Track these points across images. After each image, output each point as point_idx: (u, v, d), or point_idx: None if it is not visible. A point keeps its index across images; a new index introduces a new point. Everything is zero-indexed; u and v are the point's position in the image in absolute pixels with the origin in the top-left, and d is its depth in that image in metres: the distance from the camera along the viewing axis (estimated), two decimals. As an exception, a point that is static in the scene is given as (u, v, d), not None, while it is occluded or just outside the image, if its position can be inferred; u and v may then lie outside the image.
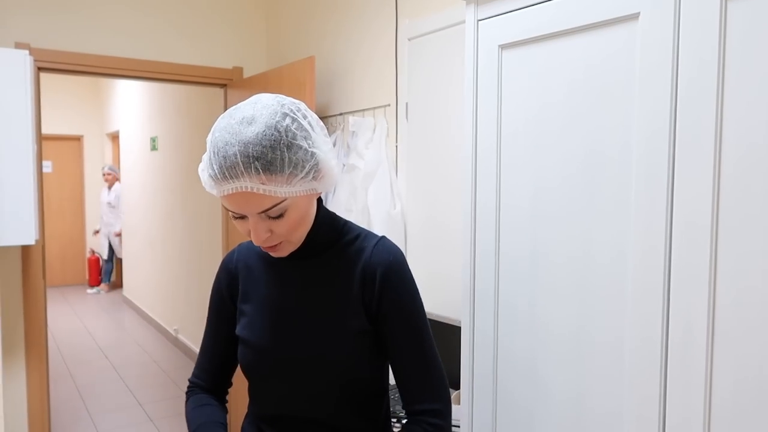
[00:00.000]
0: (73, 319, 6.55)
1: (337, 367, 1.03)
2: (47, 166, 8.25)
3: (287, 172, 0.89)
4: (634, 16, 1.10)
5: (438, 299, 2.30)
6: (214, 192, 0.93)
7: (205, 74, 3.37)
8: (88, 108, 8.27)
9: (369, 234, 1.10)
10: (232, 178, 0.88)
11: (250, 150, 0.86)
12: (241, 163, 0.86)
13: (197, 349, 4.17)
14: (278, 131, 0.89)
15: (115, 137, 7.99)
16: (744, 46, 0.96)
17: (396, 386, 1.03)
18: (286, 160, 0.89)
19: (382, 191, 2.47)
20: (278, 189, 0.90)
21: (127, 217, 7.25)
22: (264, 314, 1.07)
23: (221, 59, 3.44)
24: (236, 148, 0.87)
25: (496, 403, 1.41)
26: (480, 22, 1.40)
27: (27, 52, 2.48)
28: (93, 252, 8.33)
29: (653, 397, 1.09)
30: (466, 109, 1.44)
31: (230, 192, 0.89)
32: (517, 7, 1.31)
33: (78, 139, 8.36)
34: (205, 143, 4.77)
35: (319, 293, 1.05)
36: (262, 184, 0.88)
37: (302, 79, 2.70)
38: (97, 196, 8.42)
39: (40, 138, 2.93)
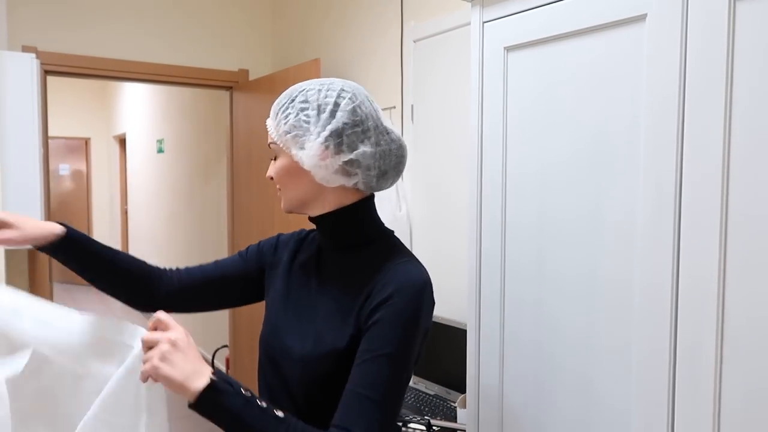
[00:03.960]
0: (80, 320, 6.57)
1: (316, 369, 1.02)
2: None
3: (283, 121, 1.02)
4: (641, 18, 1.09)
5: (443, 302, 2.29)
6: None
7: (210, 77, 3.38)
8: (95, 110, 8.30)
9: (406, 257, 1.05)
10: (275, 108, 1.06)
11: (295, 93, 1.03)
12: (284, 96, 1.05)
13: (204, 351, 4.18)
14: (324, 96, 1.01)
15: (121, 139, 8.02)
16: (753, 47, 0.94)
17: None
18: (294, 114, 1.01)
19: (387, 193, 2.46)
20: (273, 128, 1.05)
21: (132, 218, 7.27)
22: (276, 302, 1.15)
23: (227, 62, 3.44)
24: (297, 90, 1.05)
25: (502, 410, 1.40)
26: (485, 24, 1.39)
27: (34, 55, 2.49)
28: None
29: (662, 406, 1.08)
30: (471, 112, 1.43)
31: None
32: (523, 9, 1.30)
33: (85, 141, 8.40)
34: (211, 146, 4.71)
35: (328, 294, 1.08)
36: (270, 119, 1.05)
37: (308, 81, 2.70)
38: (101, 196, 8.46)
39: (47, 140, 2.94)
